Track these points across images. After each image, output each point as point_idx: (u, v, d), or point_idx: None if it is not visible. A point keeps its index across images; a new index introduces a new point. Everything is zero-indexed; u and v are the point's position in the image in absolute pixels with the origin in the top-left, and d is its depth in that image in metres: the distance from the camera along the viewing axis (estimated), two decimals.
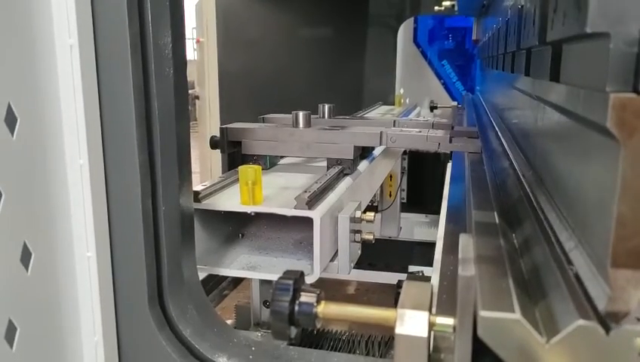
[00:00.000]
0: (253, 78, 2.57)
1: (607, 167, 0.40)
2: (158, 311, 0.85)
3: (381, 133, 1.25)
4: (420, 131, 1.30)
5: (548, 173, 0.69)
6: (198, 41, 2.40)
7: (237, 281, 2.56)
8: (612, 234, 0.38)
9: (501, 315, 0.45)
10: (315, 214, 0.95)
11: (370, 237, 1.11)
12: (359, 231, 1.09)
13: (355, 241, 1.09)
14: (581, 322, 0.43)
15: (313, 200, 0.99)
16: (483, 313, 0.45)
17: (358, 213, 1.09)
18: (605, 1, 0.38)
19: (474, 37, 2.91)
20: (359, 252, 1.14)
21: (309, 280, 0.98)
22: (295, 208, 0.97)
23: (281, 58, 2.85)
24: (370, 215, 1.10)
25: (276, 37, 2.81)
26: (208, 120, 2.38)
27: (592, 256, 0.45)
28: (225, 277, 2.49)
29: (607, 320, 0.42)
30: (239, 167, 1.02)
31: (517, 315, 0.45)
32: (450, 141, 1.22)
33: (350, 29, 3.47)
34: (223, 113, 2.32)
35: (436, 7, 2.79)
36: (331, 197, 1.06)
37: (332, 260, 1.07)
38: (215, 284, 2.41)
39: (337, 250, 1.07)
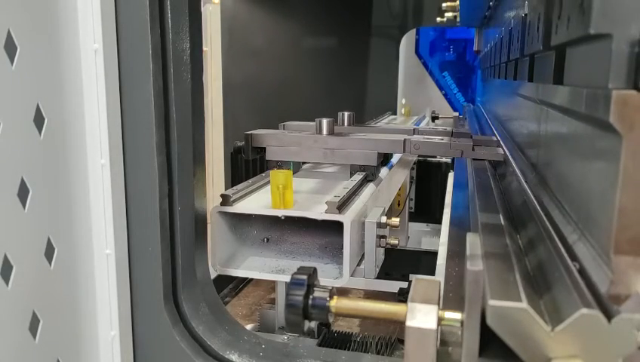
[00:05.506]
0: (257, 88, 2.60)
1: (609, 161, 0.43)
2: (172, 307, 0.87)
3: (405, 140, 1.26)
4: (443, 139, 1.31)
5: (552, 172, 0.72)
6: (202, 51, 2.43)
7: (238, 289, 2.58)
8: (614, 223, 0.41)
9: (509, 304, 0.48)
10: (346, 218, 0.97)
11: (396, 242, 1.12)
12: (384, 237, 1.11)
13: (380, 246, 1.10)
14: (584, 311, 0.45)
15: (343, 204, 1.01)
16: (492, 302, 0.48)
17: (384, 219, 1.10)
18: (607, 4, 0.42)
19: (475, 48, 2.95)
20: (383, 257, 1.15)
21: (339, 283, 0.98)
22: (326, 212, 0.99)
23: (286, 68, 2.89)
24: (395, 220, 1.11)
25: (280, 47, 2.85)
26: (211, 128, 2.41)
27: (595, 246, 0.48)
28: (225, 285, 2.51)
29: (609, 308, 0.45)
30: (270, 171, 1.04)
31: (524, 304, 0.47)
32: (473, 149, 1.24)
33: (353, 39, 3.52)
34: (227, 122, 2.35)
35: (438, 19, 2.84)
36: (358, 203, 1.08)
37: (358, 265, 1.08)
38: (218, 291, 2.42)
39: (363, 255, 1.09)
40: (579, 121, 0.54)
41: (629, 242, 0.41)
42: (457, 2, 2.58)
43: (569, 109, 0.57)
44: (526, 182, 0.86)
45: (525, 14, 0.93)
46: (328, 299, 0.66)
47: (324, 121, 1.34)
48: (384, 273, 2.37)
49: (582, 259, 0.50)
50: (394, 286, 2.14)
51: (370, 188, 1.21)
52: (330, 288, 0.67)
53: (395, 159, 1.56)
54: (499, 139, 1.29)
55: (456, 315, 0.58)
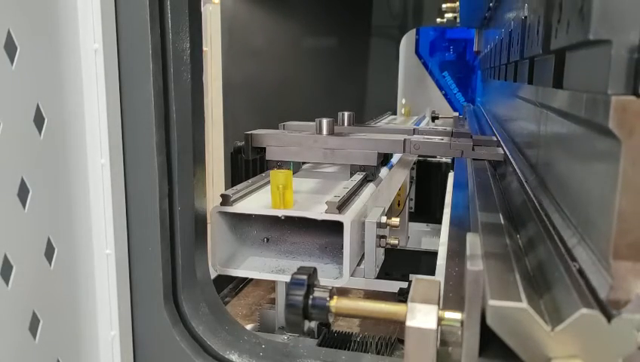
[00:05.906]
0: (257, 88, 2.60)
1: (608, 165, 0.43)
2: (172, 307, 0.87)
3: (404, 140, 1.26)
4: (443, 139, 1.31)
5: (551, 175, 0.72)
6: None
7: (238, 289, 2.58)
8: (614, 228, 0.41)
9: (509, 304, 0.48)
10: (346, 218, 0.97)
11: (396, 242, 1.12)
12: (384, 237, 1.11)
13: (380, 246, 1.10)
14: (584, 311, 0.45)
15: (343, 204, 1.01)
16: (492, 302, 0.48)
17: (384, 219, 1.10)
18: (607, 10, 0.42)
19: (475, 48, 2.95)
20: (383, 257, 1.15)
21: (339, 283, 0.98)
22: (326, 212, 0.99)
23: (286, 68, 2.89)
24: (395, 220, 1.11)
25: (280, 47, 2.85)
26: (211, 128, 2.41)
27: (595, 250, 0.48)
28: (226, 285, 2.51)
29: (609, 309, 0.45)
30: (270, 171, 1.04)
31: (524, 304, 0.47)
32: (473, 149, 1.23)
33: (353, 39, 3.52)
34: (227, 122, 2.35)
35: (438, 19, 2.84)
36: (358, 203, 1.08)
37: (358, 265, 1.08)
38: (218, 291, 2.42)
39: (363, 255, 1.09)
40: (578, 125, 0.54)
41: (629, 247, 0.41)
42: (457, 3, 2.58)
43: (569, 113, 0.57)
44: (526, 182, 0.86)
45: (525, 17, 0.93)
46: (328, 299, 0.66)
47: (324, 121, 1.34)
48: (384, 273, 2.37)
49: (581, 263, 0.50)
50: (394, 286, 2.14)
51: (370, 188, 1.21)
52: (330, 288, 0.67)
53: (395, 159, 1.56)
54: (499, 139, 1.29)
55: (456, 315, 0.58)
